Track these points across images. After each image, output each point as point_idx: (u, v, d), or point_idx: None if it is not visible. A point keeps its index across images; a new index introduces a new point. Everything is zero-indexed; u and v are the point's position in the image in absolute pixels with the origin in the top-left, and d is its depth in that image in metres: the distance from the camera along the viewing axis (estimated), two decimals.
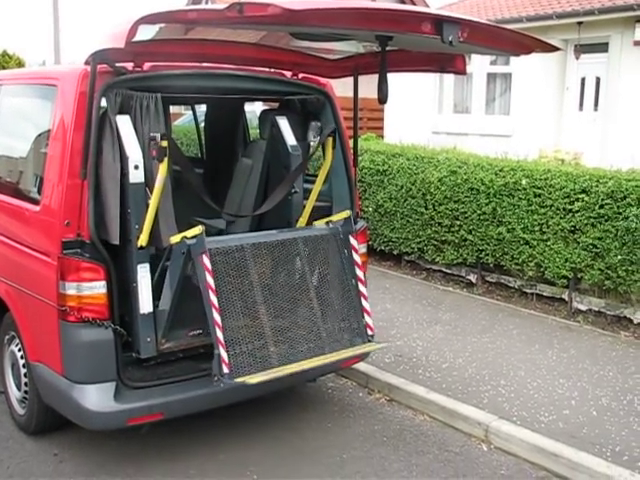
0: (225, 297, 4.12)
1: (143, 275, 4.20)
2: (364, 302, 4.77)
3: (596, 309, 7.32)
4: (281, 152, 5.02)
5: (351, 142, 5.30)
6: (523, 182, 7.57)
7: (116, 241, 4.16)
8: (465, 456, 4.81)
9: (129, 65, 4.31)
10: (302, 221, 5.05)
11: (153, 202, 4.15)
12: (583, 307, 7.41)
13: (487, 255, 8.07)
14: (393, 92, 14.41)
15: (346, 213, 4.80)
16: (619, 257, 6.86)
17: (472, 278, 8.48)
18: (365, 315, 4.75)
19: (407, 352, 6.28)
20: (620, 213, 6.82)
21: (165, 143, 4.03)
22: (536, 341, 6.70)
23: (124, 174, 4.10)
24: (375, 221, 9.33)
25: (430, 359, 6.18)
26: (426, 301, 7.95)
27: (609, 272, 7.00)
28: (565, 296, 7.58)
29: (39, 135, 4.78)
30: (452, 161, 8.46)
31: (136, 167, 4.10)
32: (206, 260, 4.02)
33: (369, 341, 4.72)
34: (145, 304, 4.22)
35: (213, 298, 4.01)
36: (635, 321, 7.02)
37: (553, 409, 5.25)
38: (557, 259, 7.37)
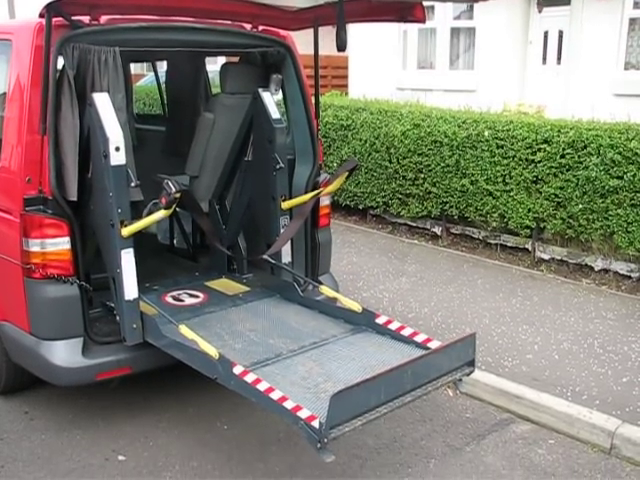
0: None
1: (127, 260, 4.05)
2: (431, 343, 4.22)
3: (559, 258, 7.46)
4: (264, 125, 4.89)
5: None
6: (486, 134, 7.62)
7: (74, 197, 4.11)
8: (431, 402, 4.91)
9: (85, 18, 4.24)
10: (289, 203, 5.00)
11: (146, 222, 4.07)
12: (546, 256, 7.54)
13: (451, 207, 8.15)
14: (357, 48, 14.20)
15: (356, 306, 4.63)
16: (580, 206, 6.97)
17: (437, 230, 8.57)
18: None
19: (374, 303, 6.35)
20: (581, 162, 6.91)
21: (178, 195, 3.84)
22: (500, 290, 6.82)
23: (105, 155, 3.92)
24: None
25: (396, 309, 6.27)
26: (392, 254, 8.03)
27: (571, 221, 7.12)
28: (528, 246, 7.70)
29: None
30: (415, 114, 8.46)
31: (117, 149, 3.91)
32: (249, 376, 3.63)
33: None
34: (130, 291, 4.11)
35: (275, 395, 3.49)
36: (596, 268, 7.17)
37: (516, 354, 5.38)
38: (520, 209, 7.47)
